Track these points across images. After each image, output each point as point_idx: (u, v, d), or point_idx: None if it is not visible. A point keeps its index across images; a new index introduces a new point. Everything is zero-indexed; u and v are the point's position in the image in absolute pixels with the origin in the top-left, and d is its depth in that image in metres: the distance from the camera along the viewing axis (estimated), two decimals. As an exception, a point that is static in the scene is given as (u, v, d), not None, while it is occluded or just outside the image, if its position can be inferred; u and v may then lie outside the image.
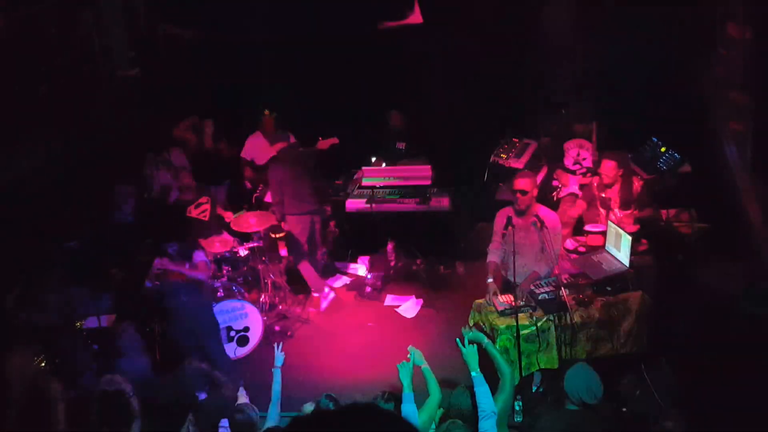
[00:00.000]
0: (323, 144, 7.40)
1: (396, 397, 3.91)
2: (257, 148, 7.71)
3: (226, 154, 8.62)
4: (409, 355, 4.06)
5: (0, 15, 6.66)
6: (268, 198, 7.73)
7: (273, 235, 7.77)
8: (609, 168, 6.35)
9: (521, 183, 5.54)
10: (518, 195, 5.52)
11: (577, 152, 7.28)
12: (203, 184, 7.55)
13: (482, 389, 3.79)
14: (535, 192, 5.60)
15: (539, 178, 7.07)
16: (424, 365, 4.11)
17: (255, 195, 7.75)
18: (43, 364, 5.52)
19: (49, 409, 4.66)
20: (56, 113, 7.05)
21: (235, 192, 8.00)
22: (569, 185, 7.25)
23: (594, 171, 7.04)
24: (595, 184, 6.56)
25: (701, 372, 4.78)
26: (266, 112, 7.60)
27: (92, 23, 7.92)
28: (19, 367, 5.14)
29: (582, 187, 7.02)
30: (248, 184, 7.79)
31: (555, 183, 7.40)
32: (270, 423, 4.22)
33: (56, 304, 5.76)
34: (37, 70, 7.09)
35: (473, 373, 3.88)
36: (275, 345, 4.73)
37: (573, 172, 7.29)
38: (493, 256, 5.77)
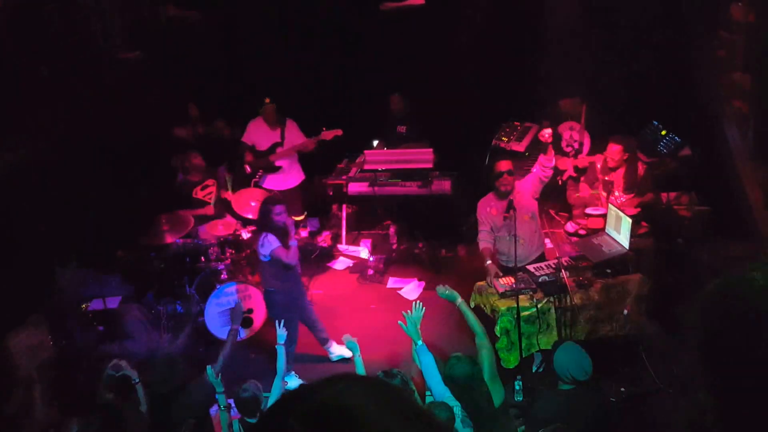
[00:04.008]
0: (327, 135, 7.39)
1: (396, 375, 3.96)
2: (259, 133, 7.65)
3: (227, 136, 8.56)
4: (413, 309, 4.16)
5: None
6: (266, 183, 7.71)
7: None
8: (615, 152, 6.37)
9: (507, 164, 5.66)
10: (505, 176, 5.62)
11: (569, 134, 7.31)
12: (212, 166, 7.54)
13: (426, 358, 3.94)
14: None
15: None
16: (459, 300, 4.45)
17: (254, 180, 7.69)
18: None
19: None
20: (57, 95, 7.04)
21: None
22: (567, 169, 7.28)
23: (581, 151, 7.08)
24: (599, 167, 6.58)
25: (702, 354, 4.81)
26: (267, 100, 7.50)
27: (93, 5, 7.88)
28: (25, 346, 5.21)
29: (577, 169, 7.05)
30: (248, 169, 7.71)
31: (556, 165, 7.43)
32: (274, 399, 4.26)
33: (64, 285, 5.82)
34: (37, 53, 7.06)
35: (418, 343, 4.03)
36: (277, 323, 4.78)
37: (567, 154, 7.32)
38: (485, 243, 5.82)
